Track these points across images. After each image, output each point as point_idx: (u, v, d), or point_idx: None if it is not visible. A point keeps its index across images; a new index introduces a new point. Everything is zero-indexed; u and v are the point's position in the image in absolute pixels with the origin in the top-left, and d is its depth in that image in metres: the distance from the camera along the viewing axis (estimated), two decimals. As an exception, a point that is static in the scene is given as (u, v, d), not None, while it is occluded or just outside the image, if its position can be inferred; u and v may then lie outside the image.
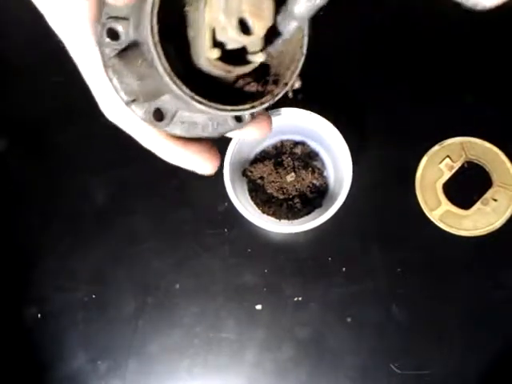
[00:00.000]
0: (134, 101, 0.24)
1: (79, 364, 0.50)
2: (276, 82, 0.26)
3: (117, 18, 0.23)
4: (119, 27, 0.24)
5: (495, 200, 0.51)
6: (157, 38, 0.21)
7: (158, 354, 0.50)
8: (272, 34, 0.24)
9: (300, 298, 0.50)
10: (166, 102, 0.25)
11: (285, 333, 0.50)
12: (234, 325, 0.50)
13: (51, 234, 0.53)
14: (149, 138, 0.27)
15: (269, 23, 0.22)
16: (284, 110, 0.46)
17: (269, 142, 0.53)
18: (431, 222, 0.51)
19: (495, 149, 0.52)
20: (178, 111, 0.25)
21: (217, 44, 0.23)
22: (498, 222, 0.51)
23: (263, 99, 0.25)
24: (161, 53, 0.22)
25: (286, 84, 0.25)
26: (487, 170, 0.52)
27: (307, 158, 0.52)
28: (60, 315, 0.51)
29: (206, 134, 0.26)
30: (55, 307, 0.51)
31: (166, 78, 0.22)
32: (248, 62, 0.24)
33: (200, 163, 0.27)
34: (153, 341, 0.50)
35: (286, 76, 0.25)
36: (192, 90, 0.22)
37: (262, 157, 0.52)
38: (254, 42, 0.23)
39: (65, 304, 0.51)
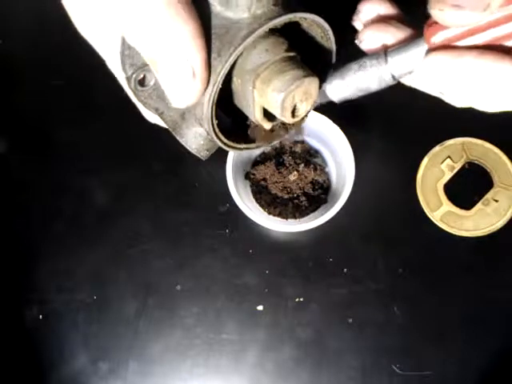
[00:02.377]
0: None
1: (80, 365, 0.50)
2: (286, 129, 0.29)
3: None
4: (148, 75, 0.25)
5: (496, 201, 0.51)
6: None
7: (159, 355, 0.50)
8: None
9: (301, 299, 0.50)
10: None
11: (286, 333, 0.50)
12: (235, 325, 0.50)
13: (52, 234, 0.52)
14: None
15: (313, 103, 0.25)
16: None
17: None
18: (432, 223, 0.51)
19: (496, 149, 0.52)
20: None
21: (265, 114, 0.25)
22: (498, 223, 0.51)
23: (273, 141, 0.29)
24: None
25: (291, 131, 0.29)
26: (488, 170, 0.52)
27: (308, 156, 0.52)
28: (61, 316, 0.51)
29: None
30: (56, 308, 0.51)
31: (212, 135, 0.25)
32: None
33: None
34: (154, 341, 0.50)
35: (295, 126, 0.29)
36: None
37: (262, 158, 0.52)
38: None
39: (66, 305, 0.51)
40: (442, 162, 0.52)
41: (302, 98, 0.24)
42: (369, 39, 0.27)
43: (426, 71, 0.23)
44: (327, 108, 0.46)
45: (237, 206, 0.45)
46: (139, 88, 0.25)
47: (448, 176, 0.52)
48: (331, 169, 0.52)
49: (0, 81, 0.55)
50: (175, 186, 0.53)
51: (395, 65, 0.25)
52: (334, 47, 0.27)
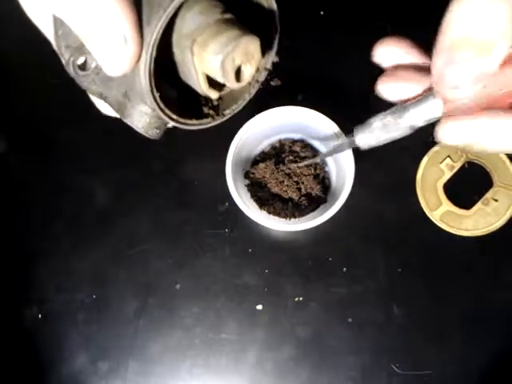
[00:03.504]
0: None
1: (80, 364, 0.50)
2: (218, 110, 0.28)
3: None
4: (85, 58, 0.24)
5: (496, 200, 0.51)
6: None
7: (159, 355, 0.50)
8: None
9: (301, 298, 0.50)
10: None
11: (285, 333, 0.50)
12: (234, 325, 0.50)
13: (51, 234, 0.53)
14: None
15: (257, 62, 0.24)
16: (281, 109, 0.46)
17: (267, 142, 0.53)
18: (432, 222, 0.51)
19: (496, 149, 0.52)
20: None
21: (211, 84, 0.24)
22: (498, 222, 0.51)
23: (204, 121, 0.27)
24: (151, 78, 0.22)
25: (225, 115, 0.28)
26: (488, 170, 0.52)
27: (307, 155, 0.52)
28: (60, 315, 0.51)
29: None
30: (56, 307, 0.51)
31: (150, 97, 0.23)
32: (223, 87, 0.26)
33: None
34: (153, 341, 0.50)
35: (229, 108, 0.28)
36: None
37: (261, 158, 0.52)
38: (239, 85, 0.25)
39: (65, 304, 0.51)
40: (442, 162, 0.52)
41: (244, 60, 0.23)
42: (386, 92, 0.29)
43: (443, 139, 0.25)
44: (327, 108, 0.47)
45: (236, 206, 0.45)
46: (80, 73, 0.24)
47: (448, 175, 0.52)
48: (331, 168, 0.52)
49: None
50: (175, 186, 0.53)
51: (414, 118, 0.27)
52: (275, 7, 0.26)
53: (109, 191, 0.54)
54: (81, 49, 0.23)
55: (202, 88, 0.24)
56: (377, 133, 0.29)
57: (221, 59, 0.22)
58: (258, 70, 0.27)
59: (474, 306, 0.50)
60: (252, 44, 0.23)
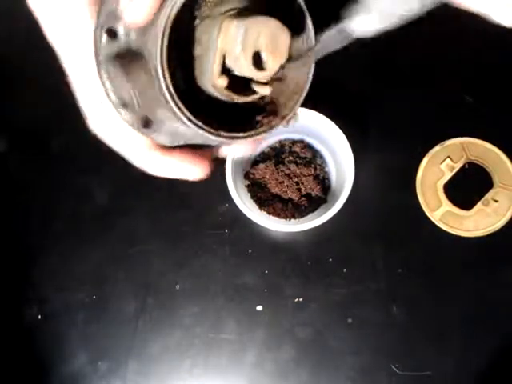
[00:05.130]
0: (124, 106, 0.23)
1: (79, 364, 0.50)
2: (274, 113, 0.25)
3: (118, 19, 0.22)
4: (120, 28, 0.23)
5: (496, 201, 0.51)
6: (165, 65, 0.21)
7: (159, 355, 0.50)
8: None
9: (300, 299, 0.50)
10: (156, 111, 0.23)
11: (285, 333, 0.50)
12: (234, 325, 0.50)
13: (51, 234, 0.53)
14: (134, 150, 0.26)
15: (283, 60, 0.22)
16: None
17: (267, 142, 0.53)
18: (432, 223, 0.51)
19: (496, 149, 0.52)
20: (166, 120, 0.24)
21: (225, 70, 0.22)
22: (498, 223, 0.51)
23: (259, 130, 0.24)
24: (168, 80, 0.21)
25: (284, 117, 0.25)
26: (488, 170, 0.52)
27: (307, 155, 0.52)
28: (60, 315, 0.51)
29: (191, 142, 0.25)
30: (55, 307, 0.51)
31: (171, 104, 0.21)
32: (252, 92, 0.23)
33: (188, 170, 0.26)
34: (153, 341, 0.50)
35: (286, 108, 0.25)
36: (190, 108, 0.22)
37: (262, 158, 0.52)
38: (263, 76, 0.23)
39: (65, 304, 0.51)
40: (442, 162, 0.52)
41: (269, 47, 0.21)
42: None
43: None
44: (327, 108, 0.47)
45: (236, 206, 0.46)
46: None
47: (448, 176, 0.52)
48: (331, 169, 0.52)
49: None
50: (174, 186, 0.53)
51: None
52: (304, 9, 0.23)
53: (109, 191, 0.53)
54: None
55: (214, 71, 0.22)
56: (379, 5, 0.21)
57: (244, 29, 0.21)
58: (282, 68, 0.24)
59: (473, 306, 0.50)
60: (283, 36, 0.21)
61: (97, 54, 0.23)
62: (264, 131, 0.24)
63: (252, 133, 0.24)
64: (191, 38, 0.23)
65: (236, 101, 0.23)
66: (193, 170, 0.26)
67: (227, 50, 0.21)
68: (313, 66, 0.25)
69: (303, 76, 0.25)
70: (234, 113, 0.24)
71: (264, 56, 0.21)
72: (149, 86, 0.22)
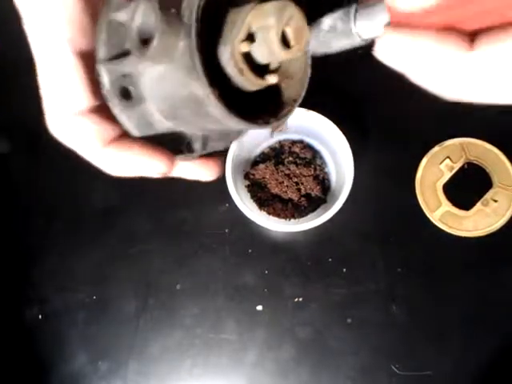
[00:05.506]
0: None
1: (80, 364, 0.50)
2: (281, 103, 0.26)
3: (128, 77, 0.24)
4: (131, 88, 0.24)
5: (495, 201, 0.52)
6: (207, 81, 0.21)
7: (159, 355, 0.50)
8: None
9: (300, 299, 0.50)
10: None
11: (285, 333, 0.50)
12: (234, 325, 0.50)
13: (51, 233, 0.53)
14: (87, 146, 0.25)
15: (301, 51, 0.24)
16: None
17: (267, 143, 0.53)
18: (431, 223, 0.52)
19: (495, 150, 0.52)
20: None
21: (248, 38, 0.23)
22: (498, 223, 0.51)
23: (282, 113, 0.26)
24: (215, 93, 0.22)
25: (296, 100, 0.26)
26: (487, 170, 0.52)
27: (307, 156, 0.52)
28: (61, 315, 0.51)
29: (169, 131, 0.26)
30: (56, 307, 0.51)
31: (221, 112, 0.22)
32: (261, 79, 0.24)
33: (149, 165, 0.26)
34: (153, 341, 0.50)
35: (292, 94, 0.26)
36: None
37: (261, 159, 0.52)
38: (277, 61, 0.24)
39: (65, 304, 0.51)
40: (441, 163, 0.53)
41: (296, 31, 0.22)
42: None
43: (382, 49, 0.22)
44: (327, 108, 0.47)
45: (236, 206, 0.46)
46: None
47: (447, 176, 0.52)
48: (331, 169, 0.52)
49: None
50: (175, 186, 0.53)
51: (362, 28, 0.24)
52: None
53: (108, 191, 0.54)
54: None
55: (238, 36, 0.22)
56: (322, 40, 0.25)
57: (282, 5, 0.22)
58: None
59: (473, 306, 0.50)
60: (304, 27, 0.23)
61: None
62: (285, 115, 0.26)
63: (273, 119, 0.25)
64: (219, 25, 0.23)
65: (246, 86, 0.24)
66: (154, 165, 0.26)
67: (259, 23, 0.22)
68: (310, 51, 0.26)
69: (301, 64, 0.27)
70: (240, 102, 0.25)
71: (291, 36, 0.23)
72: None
